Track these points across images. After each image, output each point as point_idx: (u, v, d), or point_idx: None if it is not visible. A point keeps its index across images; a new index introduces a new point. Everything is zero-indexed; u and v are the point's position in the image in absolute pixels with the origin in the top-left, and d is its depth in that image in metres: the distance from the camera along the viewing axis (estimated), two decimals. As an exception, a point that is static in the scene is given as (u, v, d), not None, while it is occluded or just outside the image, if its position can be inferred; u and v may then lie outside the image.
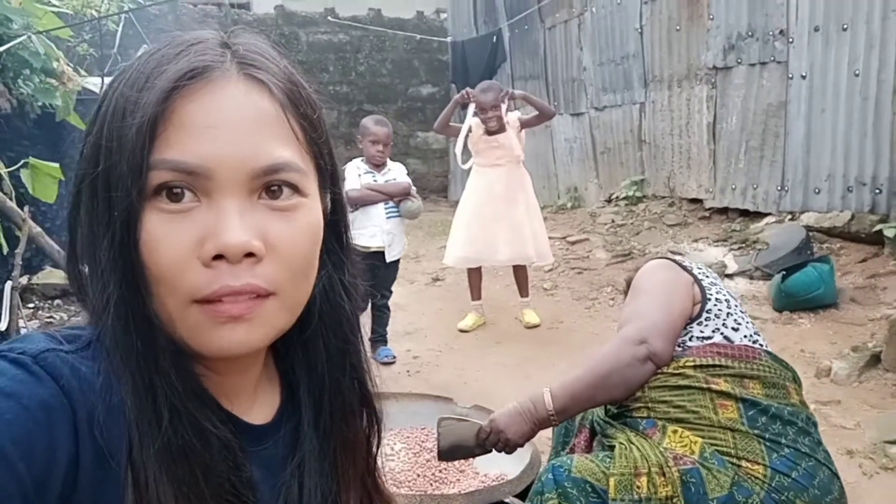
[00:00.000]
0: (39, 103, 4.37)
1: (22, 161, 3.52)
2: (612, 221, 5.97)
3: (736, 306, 1.54)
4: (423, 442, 2.12)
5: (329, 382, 0.65)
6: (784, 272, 4.03)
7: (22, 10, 3.91)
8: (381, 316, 3.72)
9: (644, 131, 6.25)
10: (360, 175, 3.50)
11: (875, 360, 3.15)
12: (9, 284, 3.13)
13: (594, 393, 1.44)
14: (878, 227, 4.22)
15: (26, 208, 3.35)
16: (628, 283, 1.69)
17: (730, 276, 4.57)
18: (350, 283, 0.66)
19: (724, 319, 1.49)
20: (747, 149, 5.19)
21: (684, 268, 1.58)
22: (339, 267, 0.65)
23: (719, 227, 5.33)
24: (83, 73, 4.88)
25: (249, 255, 0.53)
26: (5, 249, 3.67)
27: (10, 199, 3.54)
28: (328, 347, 0.65)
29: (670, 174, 5.98)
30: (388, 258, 3.53)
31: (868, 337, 3.49)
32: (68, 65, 4.45)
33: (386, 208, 3.51)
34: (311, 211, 0.58)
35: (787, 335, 3.70)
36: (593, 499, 1.30)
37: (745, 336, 1.48)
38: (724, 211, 5.45)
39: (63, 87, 4.31)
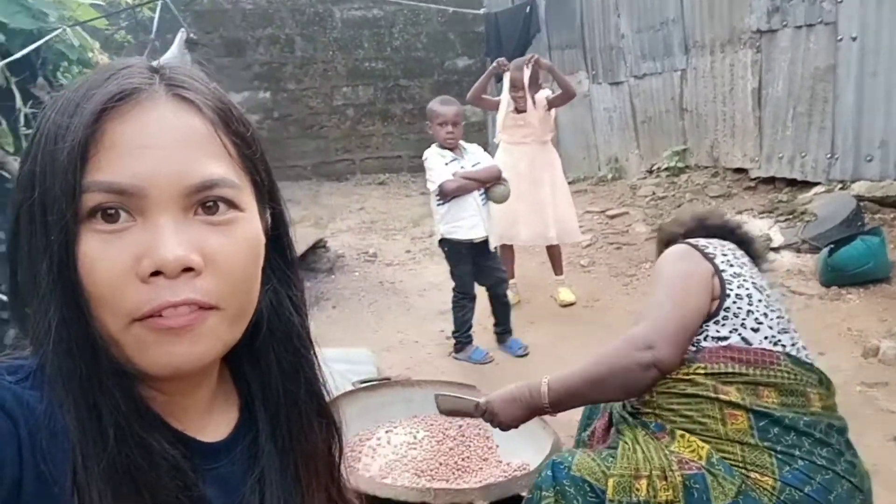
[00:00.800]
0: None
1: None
2: (653, 194, 5.81)
3: (760, 301, 1.42)
4: (446, 430, 2.12)
5: (284, 397, 0.66)
6: (832, 245, 3.86)
7: (57, 3, 3.99)
8: (503, 307, 3.49)
9: (685, 99, 6.03)
10: (446, 163, 3.27)
11: (927, 339, 3.00)
12: None
13: (590, 392, 1.42)
14: (935, 196, 3.99)
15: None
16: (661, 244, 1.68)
17: (775, 250, 4.40)
18: (297, 298, 0.67)
19: (744, 318, 1.39)
20: (794, 115, 4.95)
21: (707, 256, 1.47)
22: (284, 282, 0.66)
23: (765, 198, 5.13)
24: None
25: (188, 269, 0.54)
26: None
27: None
28: (280, 362, 0.66)
29: (714, 143, 5.77)
30: (493, 244, 3.35)
31: (921, 313, 3.32)
32: (102, 54, 4.53)
33: (480, 195, 3.30)
34: (248, 224, 0.59)
35: (833, 312, 3.56)
36: (591, 498, 1.27)
37: (766, 337, 1.38)
38: (770, 181, 5.24)
39: (100, 77, 4.39)
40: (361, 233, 6.16)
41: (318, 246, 4.92)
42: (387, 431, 2.09)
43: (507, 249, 4.09)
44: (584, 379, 1.40)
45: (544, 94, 4.04)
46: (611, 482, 1.28)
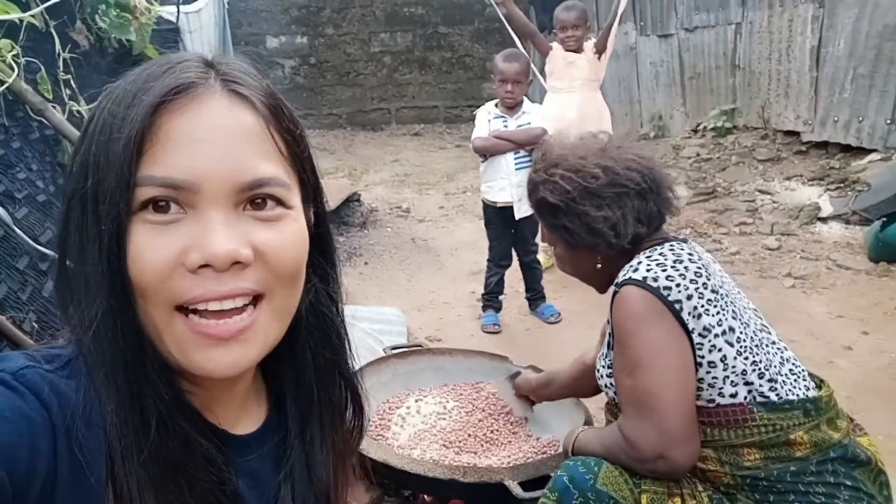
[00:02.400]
0: (116, 38, 4.44)
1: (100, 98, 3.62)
2: (697, 155, 5.61)
3: (735, 357, 1.29)
4: (474, 400, 2.10)
5: (318, 394, 0.68)
6: (885, 218, 3.69)
7: (93, -56, 3.91)
8: (531, 272, 3.38)
9: (738, 55, 5.74)
10: (489, 120, 3.14)
11: (981, 323, 2.86)
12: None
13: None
14: None
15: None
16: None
17: (823, 220, 4.24)
18: (336, 295, 0.69)
19: (721, 386, 1.29)
20: (855, 76, 4.68)
21: (671, 308, 1.28)
22: (324, 279, 0.67)
23: (816, 164, 4.91)
24: (156, 2, 4.92)
25: (236, 263, 0.54)
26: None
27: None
28: (317, 359, 0.67)
29: (765, 103, 5.51)
30: (518, 214, 3.15)
31: (976, 295, 3.17)
32: (141, -3, 4.47)
33: (516, 158, 3.12)
34: (295, 222, 0.60)
35: (881, 289, 3.42)
36: None
37: (740, 395, 1.29)
38: (822, 145, 5.00)
39: (136, 21, 4.34)
40: (395, 186, 6.10)
41: (352, 199, 4.89)
42: (416, 400, 2.08)
43: None
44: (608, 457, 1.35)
45: (591, 42, 3.89)
46: (644, 498, 1.26)
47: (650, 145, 6.40)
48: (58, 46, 3.86)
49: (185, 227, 0.54)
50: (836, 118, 4.85)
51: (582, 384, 1.82)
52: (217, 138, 0.55)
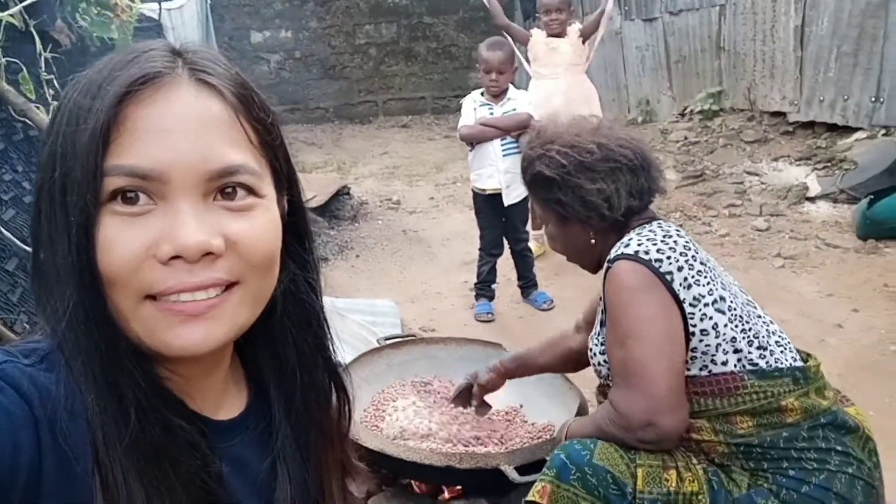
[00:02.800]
0: (98, 36, 4.39)
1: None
2: (685, 139, 5.62)
3: (726, 325, 1.33)
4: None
5: (302, 378, 0.68)
6: (872, 196, 3.73)
7: (71, -58, 3.86)
8: (523, 260, 3.40)
9: (723, 37, 5.75)
10: (475, 108, 3.15)
11: (968, 297, 2.90)
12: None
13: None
14: None
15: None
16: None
17: (811, 200, 4.27)
18: (315, 281, 0.68)
19: (714, 354, 1.33)
20: (839, 55, 4.69)
21: (663, 279, 1.31)
22: (302, 267, 0.67)
23: (803, 144, 4.93)
24: (137, 1, 4.87)
25: (208, 254, 0.54)
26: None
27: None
28: (298, 345, 0.67)
29: (751, 85, 5.53)
30: (507, 201, 3.16)
31: (963, 269, 3.21)
32: (122, -6, 4.42)
33: (503, 144, 3.14)
34: (267, 210, 0.59)
35: (869, 266, 3.45)
36: (613, 490, 1.26)
37: (733, 362, 1.33)
38: (809, 125, 5.03)
39: (118, 19, 4.30)
40: (384, 178, 6.09)
41: (342, 193, 4.87)
42: (411, 386, 2.09)
43: None
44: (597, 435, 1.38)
45: (576, 26, 3.89)
46: (640, 472, 1.27)
47: (638, 130, 6.41)
48: (38, 46, 3.81)
49: (155, 219, 0.54)
50: (821, 98, 4.87)
51: (563, 365, 1.86)
52: (184, 128, 0.55)
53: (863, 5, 4.46)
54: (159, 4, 5.64)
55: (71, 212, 0.54)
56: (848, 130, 4.68)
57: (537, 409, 2.07)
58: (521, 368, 1.89)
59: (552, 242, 1.64)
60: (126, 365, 0.55)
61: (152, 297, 0.54)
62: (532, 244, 3.59)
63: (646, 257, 1.33)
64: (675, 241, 1.37)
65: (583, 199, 1.45)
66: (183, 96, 0.56)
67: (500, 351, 2.24)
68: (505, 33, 4.06)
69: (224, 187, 0.56)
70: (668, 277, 1.32)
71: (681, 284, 1.32)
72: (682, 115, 6.16)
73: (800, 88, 5.03)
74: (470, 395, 1.92)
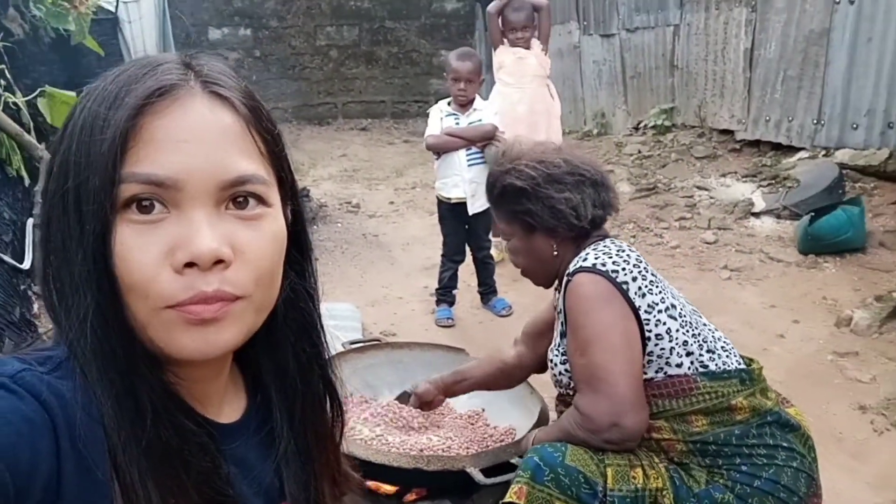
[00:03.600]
0: (53, 27, 4.27)
1: (39, 90, 3.48)
2: (639, 152, 5.80)
3: (678, 330, 1.44)
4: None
5: (301, 385, 0.70)
6: (813, 213, 3.92)
7: (28, -70, 3.76)
8: (484, 267, 3.46)
9: (677, 56, 5.96)
10: (441, 118, 3.21)
11: (898, 310, 3.09)
12: (31, 221, 3.17)
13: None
14: (916, 168, 4.05)
15: (42, 145, 3.33)
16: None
17: (756, 215, 4.47)
18: (313, 290, 0.71)
19: (668, 357, 1.43)
20: (785, 78, 4.93)
21: (620, 288, 1.42)
22: (301, 276, 0.69)
23: (749, 161, 5.16)
24: (96, -8, 4.75)
25: (218, 262, 0.56)
26: (27, 181, 3.70)
27: (30, 131, 3.52)
28: (297, 352, 0.70)
29: (702, 103, 5.75)
30: (471, 210, 3.22)
31: (894, 284, 3.41)
32: (78, -15, 4.31)
33: (468, 155, 3.19)
34: (275, 220, 0.62)
35: (809, 280, 3.64)
36: (585, 489, 1.34)
37: (686, 365, 1.43)
38: (755, 144, 5.26)
39: (75, 11, 4.19)
40: (344, 181, 6.08)
41: (301, 195, 4.84)
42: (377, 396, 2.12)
43: None
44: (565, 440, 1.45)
45: (537, 42, 3.99)
46: (609, 471, 1.35)
47: (594, 142, 6.58)
48: (-10, 34, 3.68)
49: (170, 227, 0.55)
50: (767, 118, 5.11)
51: (497, 379, 1.93)
52: (199, 138, 0.57)
53: (807, 32, 4.70)
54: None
55: (86, 220, 0.55)
56: (791, 150, 4.92)
57: (499, 414, 2.12)
58: (458, 384, 1.96)
59: (513, 256, 1.72)
60: (141, 370, 0.56)
61: (170, 307, 0.56)
62: (493, 251, 3.66)
63: (603, 269, 1.44)
64: (627, 255, 1.49)
65: (552, 208, 1.53)
66: (197, 108, 0.58)
67: (463, 356, 2.29)
68: (489, 25, 4.11)
69: (236, 196, 0.58)
70: (625, 286, 1.43)
71: (636, 293, 1.43)
72: (637, 128, 6.35)
73: (747, 108, 5.26)
74: (408, 403, 1.98)
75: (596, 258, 1.46)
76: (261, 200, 0.60)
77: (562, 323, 1.54)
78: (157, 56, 0.61)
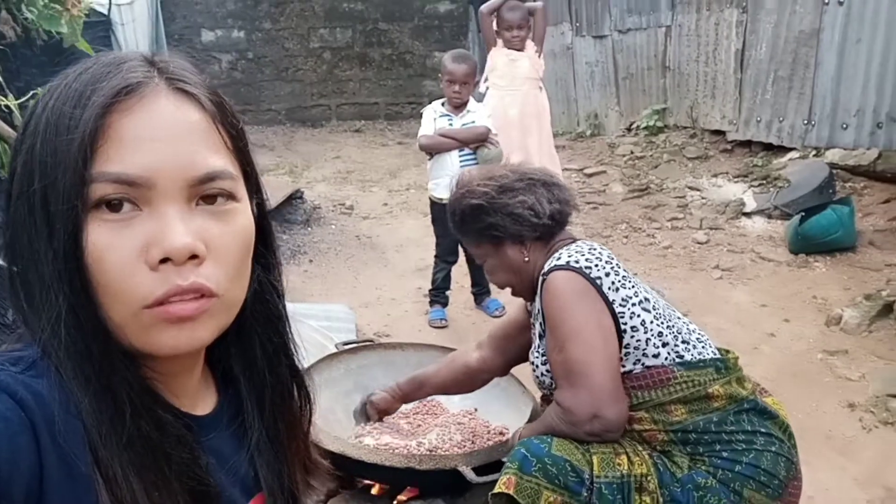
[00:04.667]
0: (45, 30, 4.26)
1: (31, 93, 3.48)
2: (631, 153, 5.83)
3: (652, 322, 1.47)
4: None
5: (269, 375, 0.71)
6: (803, 213, 3.96)
7: (20, -68, 3.75)
8: (477, 268, 3.34)
9: (669, 57, 6.00)
10: (435, 119, 3.23)
11: (888, 309, 3.12)
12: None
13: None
14: (905, 168, 4.08)
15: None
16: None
17: (747, 215, 4.50)
18: (278, 282, 0.72)
19: (645, 348, 1.46)
20: (775, 79, 4.97)
21: (595, 284, 1.46)
22: (267, 269, 0.70)
23: (741, 162, 5.19)
24: (88, -5, 4.75)
25: (193, 257, 0.56)
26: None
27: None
28: (264, 344, 0.71)
29: (693, 104, 5.78)
30: None
31: (884, 283, 3.44)
32: (71, -12, 4.30)
33: (461, 155, 3.20)
34: (244, 215, 0.62)
35: (800, 279, 3.67)
36: (572, 477, 1.37)
37: (662, 356, 1.46)
38: (747, 144, 5.30)
39: (68, 13, 4.19)
40: (337, 183, 6.09)
41: (295, 197, 4.85)
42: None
43: None
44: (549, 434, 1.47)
45: (531, 43, 4.01)
46: (595, 459, 1.39)
47: (587, 143, 6.60)
48: (-18, 38, 3.67)
49: (142, 225, 0.55)
50: (758, 118, 5.14)
51: (460, 384, 1.95)
52: (167, 136, 0.57)
53: (797, 33, 4.74)
54: (109, 1, 5.50)
55: (55, 220, 0.54)
56: (782, 150, 4.96)
57: (491, 414, 2.14)
58: (417, 390, 1.97)
59: (493, 277, 1.75)
60: (118, 367, 0.57)
61: (148, 307, 0.56)
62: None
63: (577, 265, 1.49)
64: (599, 253, 1.54)
65: (511, 213, 1.60)
66: (164, 105, 0.58)
67: (456, 356, 2.30)
68: (482, 25, 4.13)
69: (206, 193, 0.59)
70: (598, 281, 1.47)
71: (609, 287, 1.47)
72: (629, 129, 6.38)
73: (739, 109, 5.30)
74: (366, 413, 1.99)
75: (569, 256, 1.51)
76: (230, 196, 0.60)
77: (540, 324, 1.58)
78: (120, 54, 0.61)
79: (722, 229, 4.41)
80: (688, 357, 1.48)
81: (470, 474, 1.62)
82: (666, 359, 1.46)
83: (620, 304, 1.47)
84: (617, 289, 1.48)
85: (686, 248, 4.20)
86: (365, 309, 3.51)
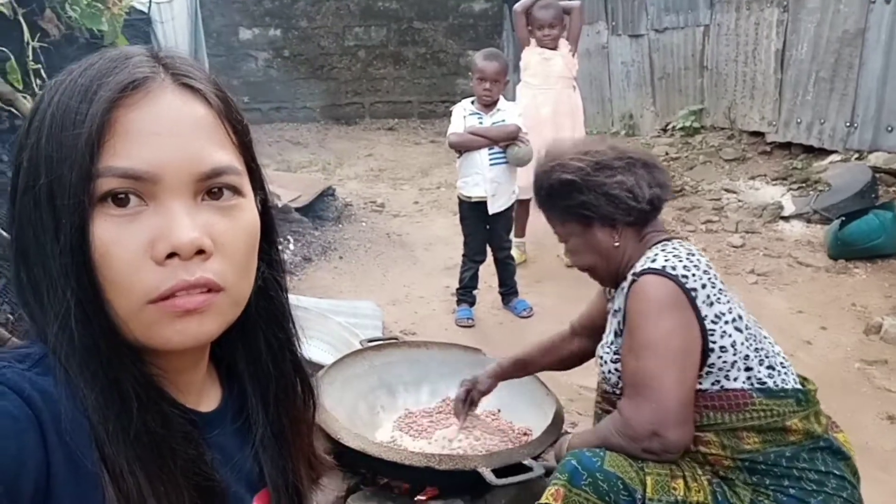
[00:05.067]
0: (87, 28, 4.37)
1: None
2: (666, 154, 5.73)
3: (742, 343, 1.39)
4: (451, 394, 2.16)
5: (273, 371, 0.71)
6: (844, 218, 3.84)
7: (64, -68, 3.85)
8: (505, 268, 3.46)
9: (706, 57, 5.87)
10: (464, 117, 3.22)
11: (930, 318, 3.01)
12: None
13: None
14: (952, 172, 3.93)
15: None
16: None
17: (786, 219, 4.38)
18: (282, 278, 0.71)
19: (728, 371, 1.38)
20: (817, 80, 4.83)
21: (688, 295, 1.36)
22: (271, 265, 0.69)
23: (780, 164, 5.06)
24: (129, -7, 4.86)
25: (199, 252, 0.56)
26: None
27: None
28: (268, 340, 0.71)
29: (731, 104, 5.66)
30: (491, 209, 3.22)
31: (927, 292, 3.32)
32: (112, -13, 4.41)
33: (490, 154, 3.19)
34: (249, 210, 0.62)
35: (839, 286, 3.56)
36: (624, 496, 1.31)
37: (744, 379, 1.38)
38: (786, 146, 5.16)
39: (109, 12, 4.29)
40: (369, 181, 6.12)
41: (327, 194, 4.89)
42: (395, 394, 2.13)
43: (522, 206, 3.84)
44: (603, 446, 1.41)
45: (565, 42, 3.97)
46: (649, 480, 1.32)
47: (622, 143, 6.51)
48: (26, 35, 3.79)
49: (148, 219, 0.55)
50: (798, 120, 5.00)
51: (562, 366, 1.92)
52: (174, 131, 0.57)
53: (840, 33, 4.60)
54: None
55: (61, 215, 0.54)
56: (823, 153, 4.82)
57: (515, 415, 2.12)
58: (520, 371, 1.96)
59: (574, 258, 1.63)
60: (124, 362, 0.57)
61: (153, 301, 0.56)
62: (514, 252, 3.65)
63: (673, 272, 1.37)
64: (698, 260, 1.42)
65: (607, 194, 1.46)
66: (170, 100, 0.58)
67: (480, 356, 2.29)
68: (515, 24, 4.12)
69: (212, 188, 0.59)
70: (693, 294, 1.36)
71: (704, 301, 1.37)
72: (665, 130, 6.27)
73: (778, 110, 5.16)
74: (469, 402, 1.96)
75: (666, 260, 1.39)
76: (235, 191, 0.60)
77: (619, 322, 1.49)
78: (124, 49, 0.61)
79: (758, 233, 4.31)
80: (770, 384, 1.39)
81: (489, 476, 1.61)
82: (745, 383, 1.38)
83: (713, 321, 1.37)
84: (711, 303, 1.37)
85: (720, 252, 4.11)
86: (393, 307, 3.52)
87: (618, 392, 1.50)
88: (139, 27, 5.34)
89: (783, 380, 1.41)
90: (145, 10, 5.55)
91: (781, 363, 1.44)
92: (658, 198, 1.50)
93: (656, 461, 1.35)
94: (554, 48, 3.91)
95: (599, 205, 1.47)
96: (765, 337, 1.47)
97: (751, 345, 1.40)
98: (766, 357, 1.41)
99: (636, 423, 1.34)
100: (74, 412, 0.54)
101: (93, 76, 0.57)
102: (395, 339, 2.54)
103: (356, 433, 1.76)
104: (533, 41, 3.97)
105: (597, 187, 1.47)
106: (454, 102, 3.35)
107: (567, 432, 1.89)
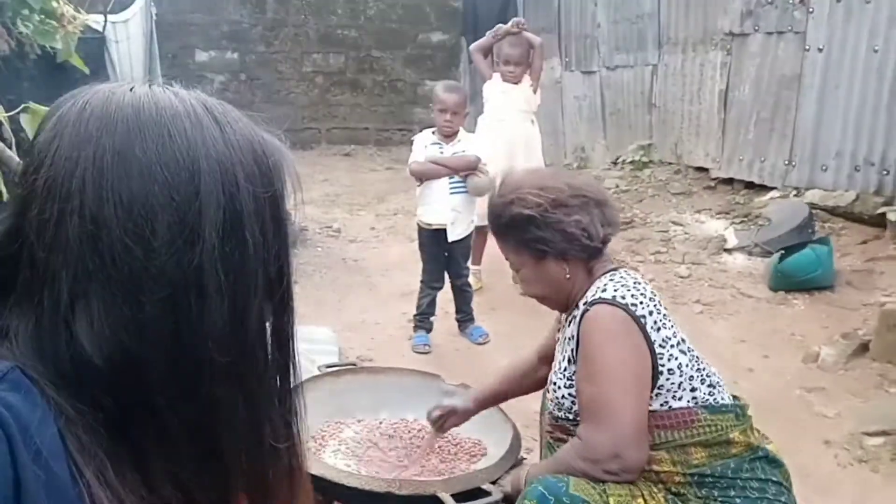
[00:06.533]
0: (39, 44, 4.28)
1: (22, 106, 3.48)
2: (617, 186, 5.92)
3: (687, 365, 1.48)
4: (410, 423, 2.17)
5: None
6: (783, 251, 4.03)
7: (19, -52, 3.79)
8: (462, 295, 3.52)
9: (655, 95, 6.13)
10: (426, 146, 3.30)
11: (863, 348, 3.18)
12: None
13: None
14: (881, 210, 4.19)
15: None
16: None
17: (728, 252, 4.57)
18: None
19: (675, 391, 1.47)
20: (758, 120, 5.10)
21: (638, 322, 1.44)
22: None
23: (723, 199, 5.29)
24: (83, 12, 4.78)
25: None
26: (6, 197, 3.68)
27: (11, 146, 3.51)
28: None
29: (678, 140, 5.90)
30: (451, 237, 3.29)
31: (860, 323, 3.50)
32: (67, 4, 4.34)
33: (451, 183, 3.27)
34: None
35: (779, 316, 3.73)
36: None
37: (689, 399, 1.47)
38: (729, 182, 5.40)
39: (63, 29, 4.22)
40: (325, 206, 6.11)
41: (283, 218, 4.86)
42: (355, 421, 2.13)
43: (480, 233, 3.83)
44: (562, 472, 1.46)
45: (527, 78, 4.10)
46: (612, 500, 1.38)
47: (574, 175, 6.68)
48: (-24, 50, 3.68)
49: None
50: (741, 157, 5.25)
51: (526, 391, 1.96)
52: None
53: (779, 77, 4.88)
54: (105, 17, 5.53)
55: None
56: (763, 189, 5.06)
57: (471, 436, 2.14)
58: (499, 401, 2.02)
59: (526, 286, 1.68)
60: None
61: None
62: (472, 279, 3.70)
63: (622, 301, 1.46)
64: (644, 288, 1.52)
65: (563, 231, 1.52)
66: None
67: (439, 381, 2.30)
68: (474, 60, 4.23)
69: None
70: (643, 320, 1.45)
71: (652, 327, 1.46)
72: (615, 163, 6.48)
73: (722, 147, 5.41)
74: (440, 426, 2.00)
75: (615, 290, 1.48)
76: None
77: (573, 350, 1.54)
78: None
79: (703, 264, 4.48)
80: (711, 401, 1.48)
81: (449, 501, 1.62)
82: (690, 402, 1.46)
83: (660, 345, 1.45)
84: (659, 328, 1.46)
85: (668, 282, 4.26)
86: (349, 332, 3.51)
87: (571, 417, 1.55)
88: (94, 45, 5.26)
89: (722, 396, 1.51)
90: (100, 28, 5.48)
91: (718, 381, 1.54)
92: (609, 236, 1.60)
93: (616, 482, 1.41)
94: (517, 83, 4.03)
95: (555, 241, 1.54)
96: (698, 357, 1.56)
97: (694, 365, 1.50)
98: (708, 376, 1.52)
99: (597, 446, 1.40)
100: (45, 426, 0.54)
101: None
102: (353, 365, 2.54)
103: (316, 458, 1.75)
104: (496, 75, 4.09)
105: (554, 224, 1.53)
106: (410, 131, 3.43)
107: (524, 458, 1.93)
